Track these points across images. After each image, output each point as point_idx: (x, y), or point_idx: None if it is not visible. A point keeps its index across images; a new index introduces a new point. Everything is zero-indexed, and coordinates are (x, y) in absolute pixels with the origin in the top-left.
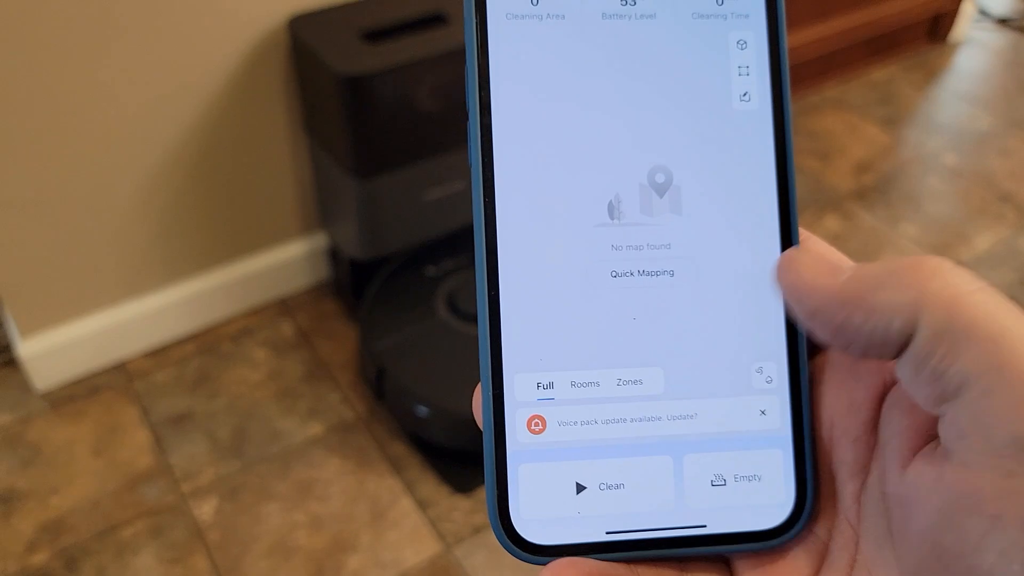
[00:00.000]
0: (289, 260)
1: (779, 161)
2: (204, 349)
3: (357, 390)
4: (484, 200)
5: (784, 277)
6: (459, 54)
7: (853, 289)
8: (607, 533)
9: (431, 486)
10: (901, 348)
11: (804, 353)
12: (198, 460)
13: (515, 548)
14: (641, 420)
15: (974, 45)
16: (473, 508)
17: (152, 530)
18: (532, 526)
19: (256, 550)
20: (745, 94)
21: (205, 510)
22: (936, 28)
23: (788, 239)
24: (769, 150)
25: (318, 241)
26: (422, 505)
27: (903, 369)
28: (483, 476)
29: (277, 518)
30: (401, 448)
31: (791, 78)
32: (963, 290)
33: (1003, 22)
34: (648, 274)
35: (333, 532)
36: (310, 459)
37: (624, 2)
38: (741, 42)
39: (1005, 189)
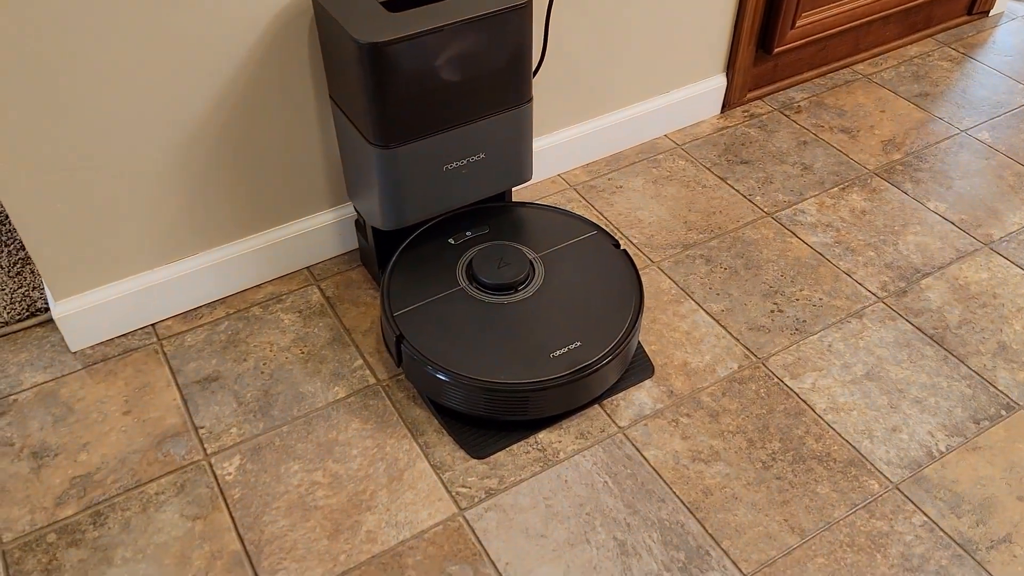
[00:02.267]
0: (317, 229)
1: None
2: (233, 314)
3: (379, 356)
4: None
5: None
6: (482, 22)
7: None
8: None
9: (447, 450)
10: None
11: None
12: (224, 420)
13: None
14: None
15: (1015, 19)
16: (487, 473)
17: (177, 486)
18: None
19: (276, 508)
20: None
21: (229, 468)
22: (975, 2)
23: None
24: None
25: (345, 211)
26: (438, 468)
27: None
28: (498, 443)
29: (298, 477)
30: (420, 413)
31: (824, 54)
32: None
33: None
34: None
35: (351, 492)
36: (332, 421)
37: None
38: None
39: None
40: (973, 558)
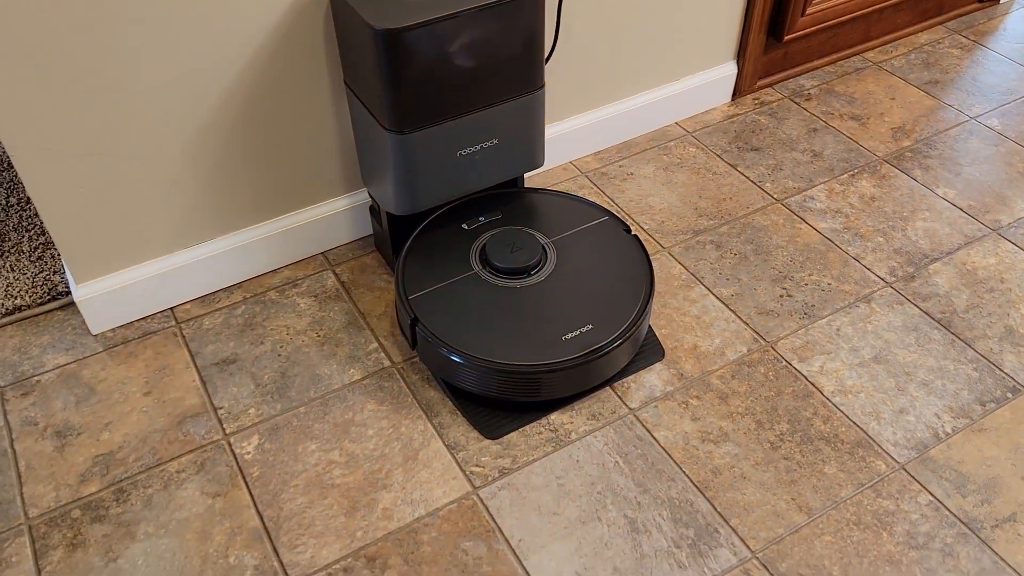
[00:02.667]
0: (332, 215)
1: None
2: (250, 298)
3: (393, 339)
4: None
5: None
6: (496, 9)
7: None
8: None
9: (461, 431)
10: None
11: None
12: (242, 401)
13: None
14: None
15: None
16: (500, 453)
17: (197, 465)
18: None
19: (294, 485)
20: None
21: (247, 448)
22: None
23: None
24: None
25: (360, 197)
26: (452, 448)
27: None
28: (511, 424)
29: (315, 456)
30: (434, 394)
31: (834, 41)
32: None
33: None
34: None
35: (367, 471)
36: (348, 402)
37: None
38: None
39: None
40: (978, 536)
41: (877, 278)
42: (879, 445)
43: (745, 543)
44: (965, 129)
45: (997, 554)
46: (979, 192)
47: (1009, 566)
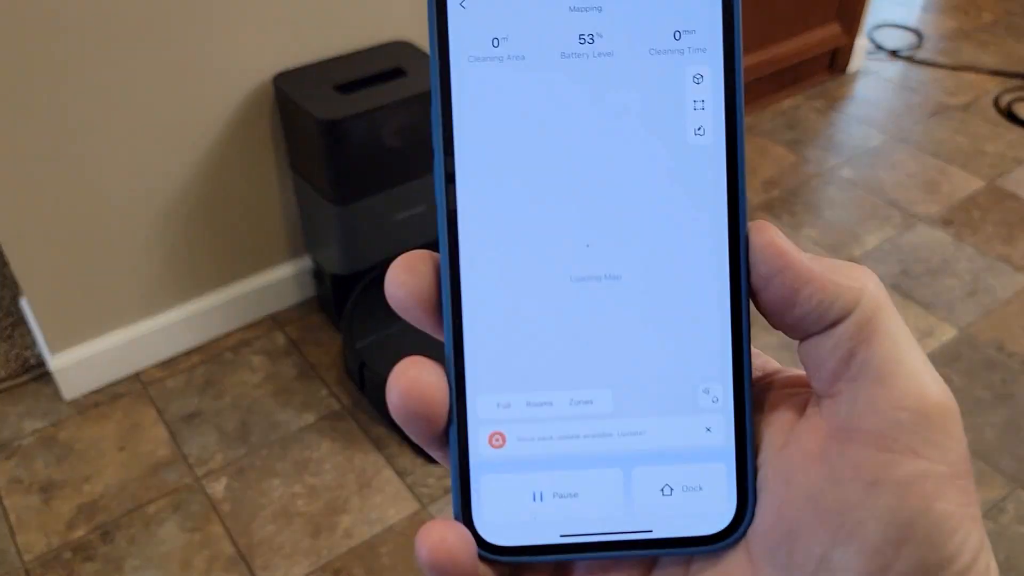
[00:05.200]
0: (279, 281)
1: (731, 192)
2: (208, 358)
3: (342, 386)
4: (448, 232)
5: (759, 237)
6: (418, 99)
7: (814, 266)
8: (561, 536)
9: (408, 458)
10: (829, 325)
11: (749, 375)
12: (209, 448)
13: (479, 549)
14: (593, 436)
15: (869, 75)
16: (444, 474)
17: (173, 506)
18: (493, 530)
19: (263, 517)
20: (700, 128)
21: (217, 488)
22: (835, 61)
23: (736, 265)
24: (722, 181)
25: (303, 263)
26: (401, 474)
27: (821, 344)
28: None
29: (279, 491)
30: (381, 430)
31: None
32: (886, 299)
33: (894, 54)
34: (603, 298)
35: (327, 499)
36: (305, 443)
37: (582, 41)
38: (697, 76)
39: (892, 196)
40: None
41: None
42: None
43: None
44: (823, 180)
45: None
46: (837, 231)
47: None
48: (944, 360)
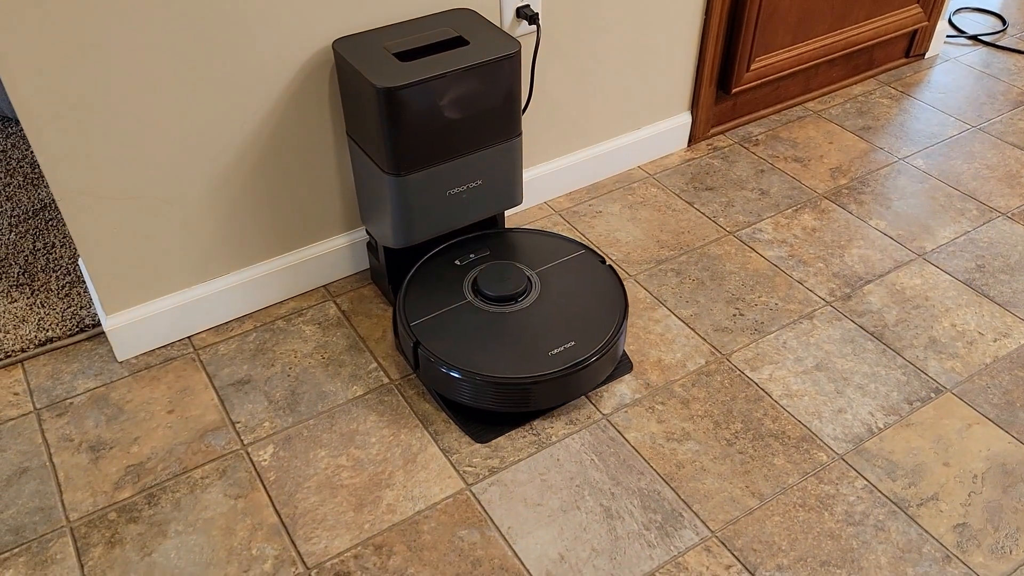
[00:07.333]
0: (333, 251)
1: None
2: (260, 326)
3: (391, 360)
4: None
5: None
6: (480, 69)
7: None
8: None
9: (454, 437)
10: None
11: None
12: (257, 416)
13: None
14: None
15: (948, 60)
16: (489, 455)
17: (219, 472)
18: None
19: (307, 487)
20: None
21: (264, 456)
22: (912, 45)
23: None
24: None
25: (358, 235)
26: (446, 452)
27: None
28: (498, 430)
29: (325, 461)
30: (428, 407)
31: (778, 93)
32: None
33: (975, 39)
34: None
35: (372, 473)
36: (352, 415)
37: None
38: None
39: (969, 188)
40: (905, 513)
41: (818, 298)
42: (821, 440)
43: (706, 524)
44: (894, 169)
45: (922, 527)
46: (907, 223)
47: (932, 536)
48: (1021, 363)
